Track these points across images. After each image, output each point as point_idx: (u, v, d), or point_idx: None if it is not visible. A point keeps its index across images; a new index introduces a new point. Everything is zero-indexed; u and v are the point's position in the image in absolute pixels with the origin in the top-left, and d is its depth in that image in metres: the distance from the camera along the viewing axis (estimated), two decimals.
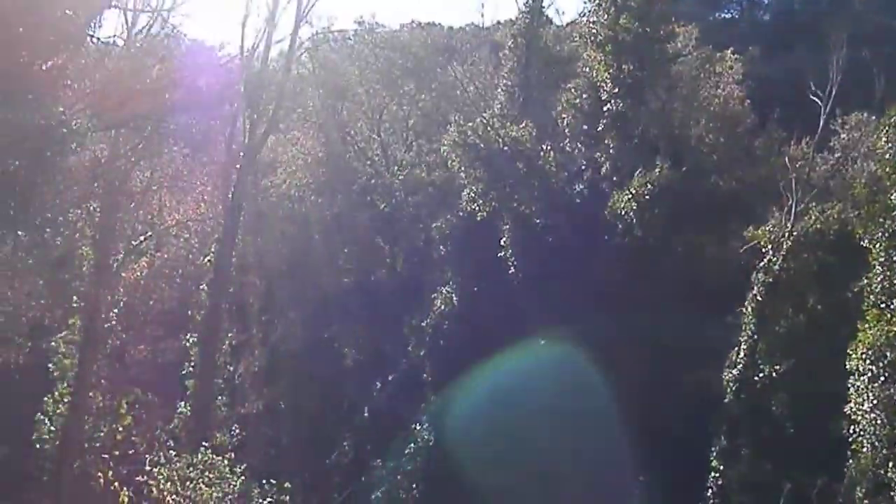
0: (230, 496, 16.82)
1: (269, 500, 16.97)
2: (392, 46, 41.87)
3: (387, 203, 36.96)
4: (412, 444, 28.91)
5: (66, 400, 30.70)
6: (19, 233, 23.40)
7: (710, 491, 24.19)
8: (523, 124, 29.50)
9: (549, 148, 29.36)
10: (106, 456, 23.80)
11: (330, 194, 38.05)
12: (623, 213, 27.21)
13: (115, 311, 32.33)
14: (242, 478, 17.28)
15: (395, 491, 28.74)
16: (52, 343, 32.36)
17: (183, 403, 29.13)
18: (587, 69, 29.59)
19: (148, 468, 17.08)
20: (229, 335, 32.09)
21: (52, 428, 30.25)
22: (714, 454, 24.39)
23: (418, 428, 29.01)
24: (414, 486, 28.39)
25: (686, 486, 24.23)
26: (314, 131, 38.87)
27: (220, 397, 30.31)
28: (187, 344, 31.04)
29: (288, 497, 17.20)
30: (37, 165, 20.97)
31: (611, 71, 28.35)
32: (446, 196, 33.51)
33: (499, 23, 43.23)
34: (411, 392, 31.16)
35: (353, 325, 34.94)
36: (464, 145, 29.30)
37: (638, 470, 25.43)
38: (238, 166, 31.88)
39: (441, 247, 32.03)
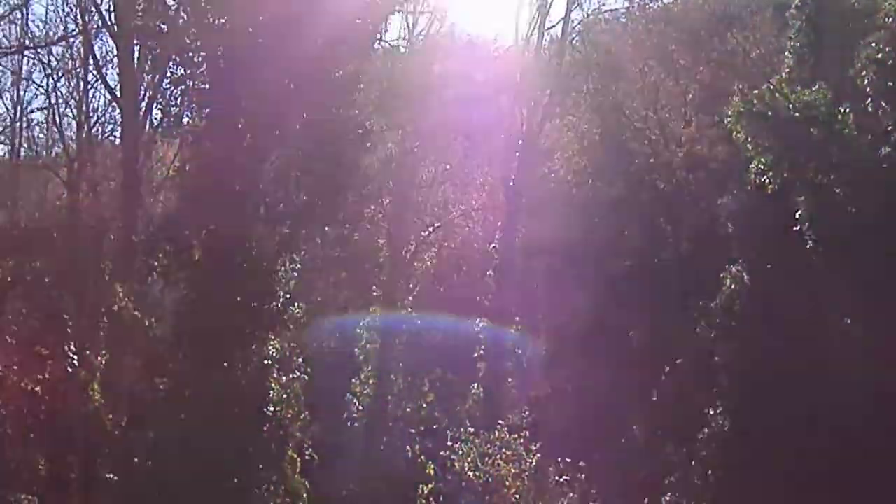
0: (526, 473, 17.25)
1: (563, 478, 17.19)
2: (665, 20, 40.51)
3: (667, 182, 35.93)
4: (705, 430, 27.88)
5: (370, 381, 33.29)
6: (326, 229, 25.65)
7: None
8: (816, 87, 27.24)
9: (847, 110, 26.85)
10: (412, 431, 25.43)
11: (608, 177, 37.73)
12: None
13: (410, 298, 34.49)
14: (538, 455, 17.65)
15: (690, 477, 27.91)
16: (357, 330, 35.17)
17: (476, 385, 30.40)
18: (889, 19, 26.70)
19: (449, 444, 17.96)
20: (516, 319, 32.95)
21: (360, 407, 32.93)
22: None
23: (711, 413, 27.91)
24: (709, 472, 27.38)
25: None
26: (589, 114, 38.72)
27: (509, 380, 31.24)
28: (477, 328, 32.29)
29: (583, 476, 17.31)
30: (338, 165, 22.88)
31: None
32: (731, 171, 31.87)
33: None
34: (701, 376, 30.07)
35: (638, 308, 34.40)
36: (749, 115, 27.58)
37: None
38: (517, 154, 32.57)
39: (728, 224, 30.51)
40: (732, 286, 29.23)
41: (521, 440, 17.82)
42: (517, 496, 16.85)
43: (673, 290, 33.53)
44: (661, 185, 35.95)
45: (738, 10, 41.53)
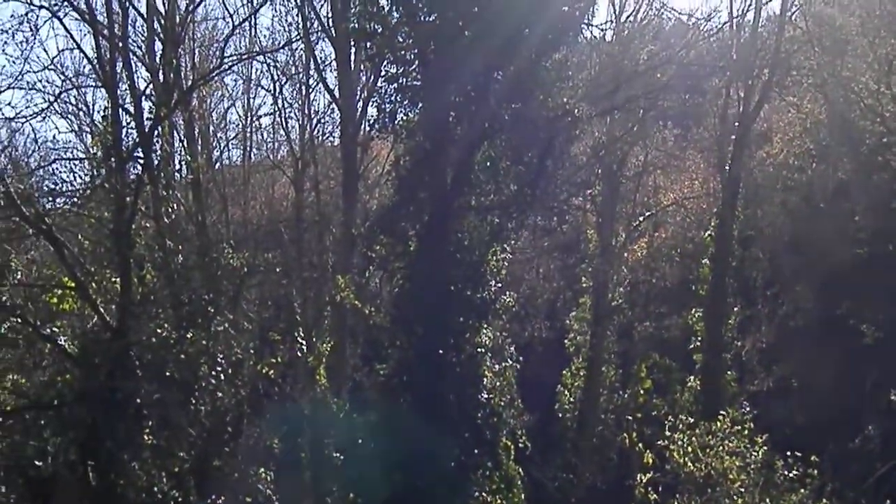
0: (752, 467, 16.41)
1: (793, 473, 16.19)
2: None
3: None
4: None
5: (581, 373, 33.11)
6: (537, 219, 25.70)
7: None
8: None
9: None
10: (630, 417, 25.01)
11: (834, 159, 35.23)
12: None
13: (621, 289, 33.91)
14: (765, 448, 16.74)
15: None
16: (567, 321, 35.06)
17: (692, 378, 29.41)
18: None
19: (668, 433, 17.45)
20: (734, 310, 31.47)
21: (571, 399, 32.83)
22: None
23: None
24: None
25: None
26: (812, 93, 36.27)
27: (728, 373, 29.90)
28: (691, 320, 31.20)
29: (816, 472, 16.22)
30: (547, 154, 22.90)
31: None
32: None
33: None
34: None
35: (871, 300, 31.79)
36: None
37: None
38: (732, 138, 31.08)
39: None
40: None
41: (745, 432, 16.98)
42: (741, 490, 16.06)
43: None
44: None
45: None
